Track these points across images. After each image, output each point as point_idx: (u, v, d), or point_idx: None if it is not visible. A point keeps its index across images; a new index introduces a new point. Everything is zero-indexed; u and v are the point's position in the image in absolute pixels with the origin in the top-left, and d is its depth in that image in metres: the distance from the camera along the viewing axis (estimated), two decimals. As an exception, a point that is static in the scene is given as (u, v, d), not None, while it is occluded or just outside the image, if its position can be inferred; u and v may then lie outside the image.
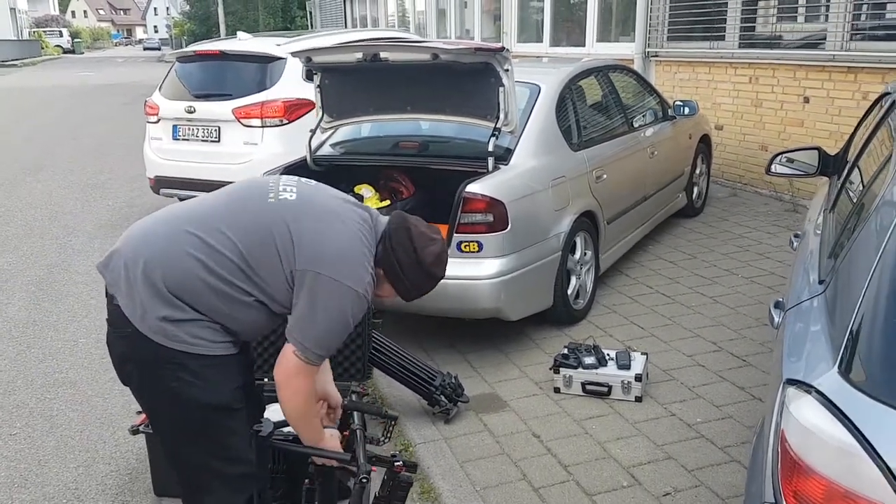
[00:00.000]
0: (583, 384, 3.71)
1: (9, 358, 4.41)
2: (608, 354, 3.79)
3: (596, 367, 3.72)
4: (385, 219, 2.29)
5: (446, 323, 4.34)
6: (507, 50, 4.04)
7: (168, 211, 2.26)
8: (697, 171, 6.71)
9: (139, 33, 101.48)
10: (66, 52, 59.42)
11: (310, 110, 6.13)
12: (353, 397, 2.79)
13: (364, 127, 4.88)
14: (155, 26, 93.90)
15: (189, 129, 6.62)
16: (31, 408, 3.84)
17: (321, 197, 2.23)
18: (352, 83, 4.50)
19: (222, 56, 6.81)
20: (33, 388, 4.04)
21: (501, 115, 4.08)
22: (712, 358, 4.09)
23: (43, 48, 52.74)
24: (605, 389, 3.67)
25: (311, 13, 28.08)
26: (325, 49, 4.34)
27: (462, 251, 3.89)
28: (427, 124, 4.63)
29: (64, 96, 21.58)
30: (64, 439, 3.55)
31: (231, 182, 2.35)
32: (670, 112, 6.12)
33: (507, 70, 4.03)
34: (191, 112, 6.52)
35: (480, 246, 3.88)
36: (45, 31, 60.21)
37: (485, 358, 4.15)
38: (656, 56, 8.98)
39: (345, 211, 2.20)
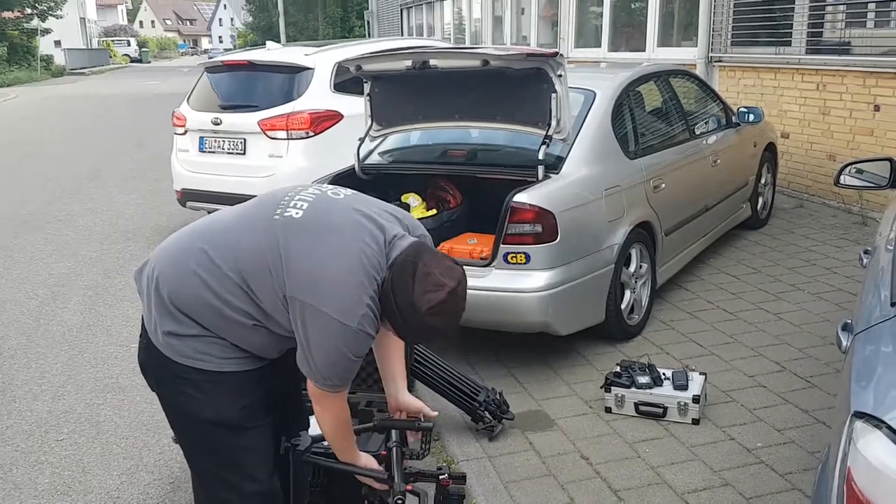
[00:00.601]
0: (636, 404, 3.54)
1: (61, 362, 4.45)
2: (664, 374, 3.61)
3: (650, 387, 3.54)
4: (405, 243, 2.05)
5: (492, 335, 4.21)
6: (561, 55, 3.91)
7: (195, 224, 2.22)
8: (763, 181, 6.45)
9: (204, 43, 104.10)
10: (133, 61, 61.40)
11: (336, 122, 6.02)
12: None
13: (413, 135, 4.80)
14: (220, 37, 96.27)
15: (215, 140, 6.45)
16: (79, 413, 3.86)
17: (332, 214, 2.04)
18: (401, 91, 4.42)
19: (250, 66, 6.64)
20: (83, 393, 4.07)
21: (553, 122, 3.95)
22: (775, 379, 3.87)
23: (111, 57, 54.59)
24: (660, 411, 3.49)
25: (368, 22, 28.34)
26: (374, 57, 4.28)
27: (509, 262, 3.76)
28: (477, 132, 4.53)
29: (127, 104, 22.22)
30: (109, 446, 3.54)
31: (255, 196, 2.25)
32: (734, 119, 5.88)
33: (561, 76, 3.90)
34: (217, 123, 6.36)
35: (528, 257, 3.74)
36: (113, 41, 62.34)
37: (532, 373, 4.01)
38: (720, 61, 8.70)
39: (353, 231, 2.00)
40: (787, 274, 5.38)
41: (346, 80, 4.64)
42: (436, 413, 2.52)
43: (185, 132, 6.66)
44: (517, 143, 4.39)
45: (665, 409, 3.50)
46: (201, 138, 6.54)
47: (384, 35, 24.88)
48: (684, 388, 3.52)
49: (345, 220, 2.03)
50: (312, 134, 6.05)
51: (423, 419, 2.45)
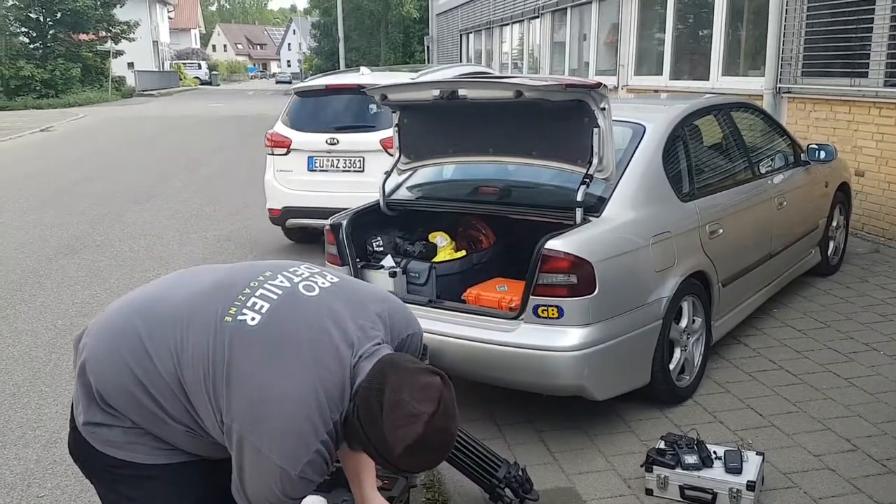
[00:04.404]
0: (681, 488, 3.06)
1: (61, 404, 4.17)
2: (714, 452, 3.12)
3: (699, 468, 3.06)
4: (369, 365, 1.67)
5: (524, 392, 3.77)
6: (604, 86, 3.50)
7: (137, 294, 1.86)
8: (834, 224, 5.87)
9: (273, 67, 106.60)
10: (203, 83, 63.00)
11: None
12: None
13: (444, 169, 4.45)
14: (288, 61, 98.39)
15: (328, 159, 6.83)
16: (67, 465, 3.52)
17: (295, 324, 1.68)
18: (431, 122, 4.08)
19: (360, 90, 6.63)
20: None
21: (595, 160, 3.55)
22: (845, 460, 3.34)
23: (181, 79, 56.12)
24: (709, 497, 3.01)
25: (428, 48, 28.35)
26: (400, 86, 3.96)
27: (540, 316, 3.34)
28: (513, 168, 4.13)
29: (188, 126, 22.52)
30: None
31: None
32: (803, 156, 5.35)
33: (604, 109, 3.49)
34: (333, 143, 6.70)
35: (561, 312, 3.31)
36: (184, 64, 64.12)
37: (565, 440, 3.56)
38: (789, 92, 8.13)
39: (314, 353, 1.64)
40: (861, 330, 4.80)
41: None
42: None
43: (289, 152, 6.94)
44: (555, 182, 3.99)
45: (715, 494, 3.01)
46: (310, 158, 6.90)
47: (444, 60, 24.79)
48: (738, 471, 3.03)
49: (307, 336, 1.66)
50: None
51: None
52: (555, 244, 3.32)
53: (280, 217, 7.08)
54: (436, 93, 3.73)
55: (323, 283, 1.80)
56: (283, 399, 1.59)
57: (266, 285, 1.75)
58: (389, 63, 31.53)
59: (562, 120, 3.62)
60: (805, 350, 4.54)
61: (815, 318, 5.06)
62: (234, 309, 1.68)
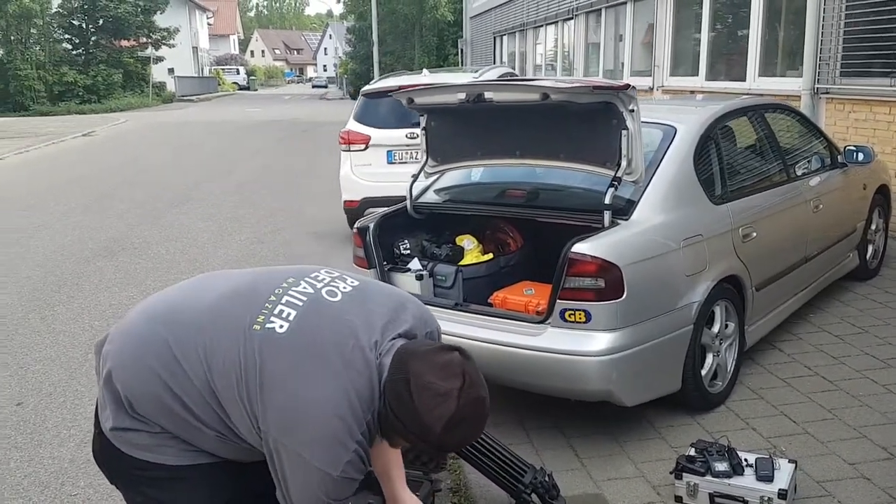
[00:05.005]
0: (711, 496, 3.00)
1: (99, 402, 4.27)
2: (745, 460, 3.06)
3: (729, 476, 3.00)
4: (388, 360, 1.72)
5: (552, 398, 3.74)
6: (633, 87, 3.46)
7: (157, 301, 1.89)
8: (873, 227, 5.74)
9: (310, 72, 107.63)
10: (241, 88, 63.91)
11: None
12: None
13: (471, 172, 4.43)
14: (325, 65, 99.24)
15: (407, 152, 7.38)
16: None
17: (322, 330, 1.72)
18: (458, 125, 4.07)
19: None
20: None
21: (623, 162, 3.50)
22: (881, 469, 3.25)
23: (220, 85, 56.96)
24: (739, 505, 2.95)
25: (462, 50, 28.37)
26: (426, 89, 3.95)
27: (566, 320, 3.31)
28: (540, 171, 4.10)
29: (226, 131, 22.85)
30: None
31: None
32: (840, 159, 5.24)
33: (633, 111, 3.45)
34: (413, 137, 6.95)
35: (588, 316, 3.28)
36: (223, 69, 65.06)
37: (594, 446, 3.52)
38: (827, 93, 7.96)
39: (343, 357, 1.68)
40: (901, 336, 4.68)
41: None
42: None
43: (367, 148, 7.55)
44: (583, 184, 3.94)
45: (745, 503, 2.95)
46: (389, 152, 7.52)
47: (477, 62, 24.78)
48: (769, 479, 2.96)
49: (334, 341, 1.70)
50: None
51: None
52: (582, 247, 3.29)
53: (359, 207, 7.44)
54: (461, 96, 3.71)
55: (344, 287, 1.83)
56: (317, 404, 1.62)
57: (290, 292, 1.78)
58: (424, 66, 31.63)
59: (589, 122, 3.59)
60: (841, 356, 4.44)
61: (852, 322, 4.95)
62: (262, 317, 1.72)
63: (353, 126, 7.67)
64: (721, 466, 3.03)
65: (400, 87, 7.65)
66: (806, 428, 3.63)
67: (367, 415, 1.68)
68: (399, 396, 1.65)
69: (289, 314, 1.72)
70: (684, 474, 3.06)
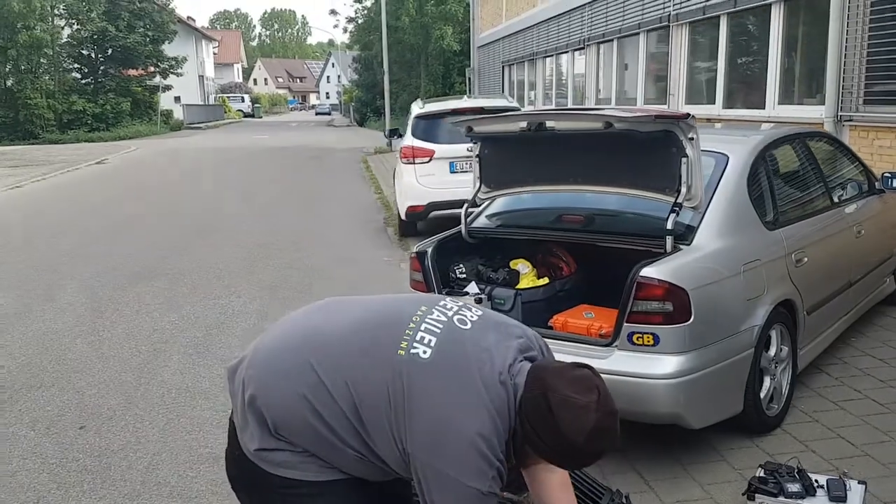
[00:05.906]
0: (784, 516, 3.05)
1: (158, 427, 4.32)
2: (816, 480, 3.11)
3: (802, 497, 3.05)
4: (521, 379, 1.80)
5: (613, 422, 3.80)
6: (693, 117, 3.56)
7: (305, 325, 1.96)
8: (908, 252, 5.81)
9: (312, 99, 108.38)
10: (246, 115, 64.33)
11: None
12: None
13: (523, 197, 4.52)
14: (327, 93, 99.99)
15: (467, 162, 8.12)
16: (172, 486, 3.68)
17: (461, 357, 1.80)
18: (513, 153, 4.17)
19: (480, 110, 8.75)
20: (177, 464, 3.89)
21: (683, 189, 3.59)
22: (949, 491, 3.30)
23: (225, 112, 57.38)
24: (814, 525, 3.00)
25: (469, 79, 28.64)
26: (488, 119, 4.06)
27: (634, 343, 3.38)
28: (592, 196, 4.19)
29: (238, 158, 23.02)
30: (198, 526, 3.33)
31: None
32: (877, 185, 5.33)
33: (692, 139, 3.55)
34: (472, 151, 7.78)
35: (657, 339, 3.35)
36: (228, 97, 65.57)
37: (659, 470, 3.57)
38: (850, 121, 8.08)
39: (483, 379, 1.76)
40: (946, 360, 4.74)
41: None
42: None
43: (430, 160, 8.84)
44: (639, 210, 4.03)
45: (819, 523, 3.00)
46: (451, 163, 8.80)
47: (485, 91, 25.01)
48: (842, 499, 3.02)
49: (473, 365, 1.78)
50: None
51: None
52: (650, 272, 3.37)
53: (423, 211, 8.83)
54: (523, 124, 3.82)
55: (471, 316, 1.94)
56: (463, 424, 1.70)
57: (427, 319, 1.87)
58: (430, 94, 31.89)
59: (649, 150, 3.68)
60: (889, 379, 4.49)
61: (893, 346, 5.01)
62: (405, 343, 1.81)
63: (415, 142, 8.98)
64: (794, 487, 3.08)
65: (453, 111, 8.48)
66: (865, 450, 3.68)
67: (506, 434, 1.76)
68: (539, 411, 1.72)
69: (430, 340, 1.81)
70: (757, 495, 3.11)
